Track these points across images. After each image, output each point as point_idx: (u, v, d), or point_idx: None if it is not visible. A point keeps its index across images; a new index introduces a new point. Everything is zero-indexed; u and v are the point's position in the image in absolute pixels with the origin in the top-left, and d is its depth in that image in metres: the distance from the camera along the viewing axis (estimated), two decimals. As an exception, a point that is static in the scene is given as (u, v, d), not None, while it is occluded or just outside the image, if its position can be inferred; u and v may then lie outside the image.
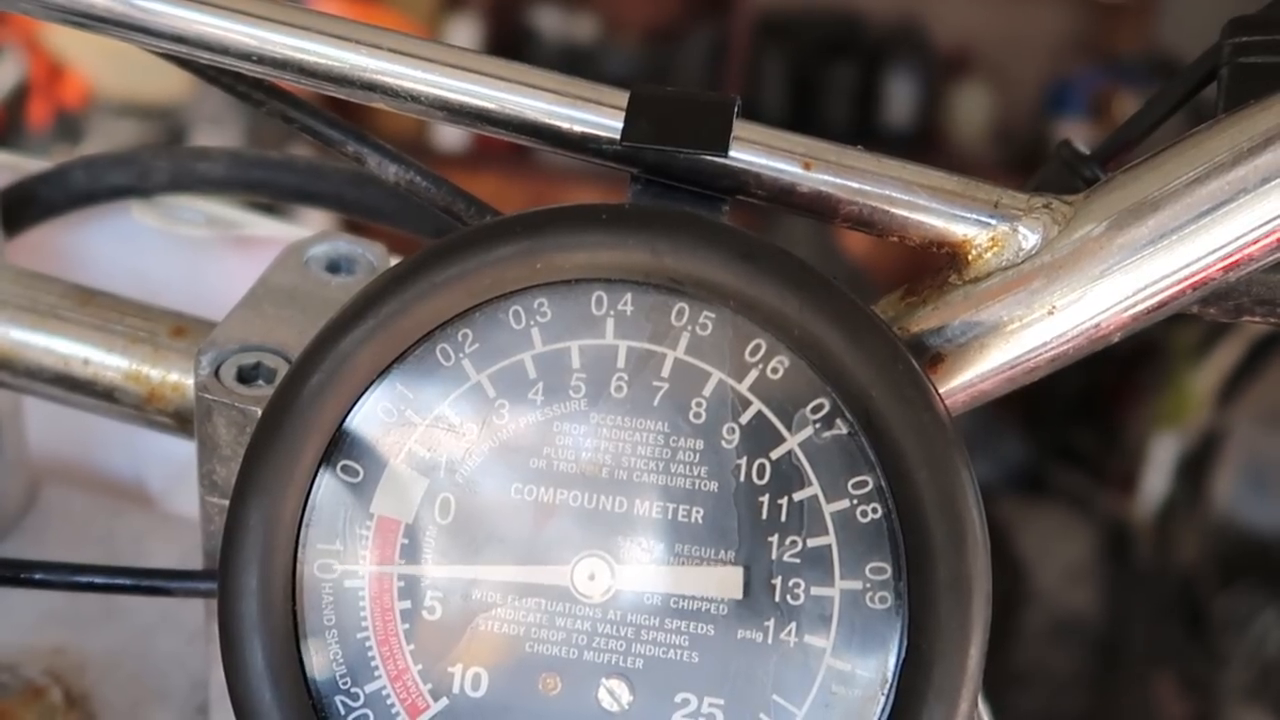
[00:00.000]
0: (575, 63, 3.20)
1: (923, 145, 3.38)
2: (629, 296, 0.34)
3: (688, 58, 3.35)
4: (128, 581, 0.45)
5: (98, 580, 0.45)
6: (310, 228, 0.67)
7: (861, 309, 0.34)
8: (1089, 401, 2.82)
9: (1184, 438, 2.51)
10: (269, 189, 0.59)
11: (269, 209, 0.77)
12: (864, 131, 3.35)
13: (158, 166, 0.59)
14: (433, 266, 0.34)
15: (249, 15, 0.39)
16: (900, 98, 3.41)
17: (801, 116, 3.37)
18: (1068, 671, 2.42)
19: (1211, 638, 2.29)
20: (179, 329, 0.46)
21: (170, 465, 0.70)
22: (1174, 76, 0.45)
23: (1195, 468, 2.46)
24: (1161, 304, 0.36)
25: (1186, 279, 0.36)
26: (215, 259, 0.68)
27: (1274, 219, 0.35)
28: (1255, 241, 0.35)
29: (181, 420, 0.46)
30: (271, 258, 0.47)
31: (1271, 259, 0.36)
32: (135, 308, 0.47)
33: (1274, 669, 2.21)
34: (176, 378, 0.45)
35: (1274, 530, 2.36)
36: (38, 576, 0.44)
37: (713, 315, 0.34)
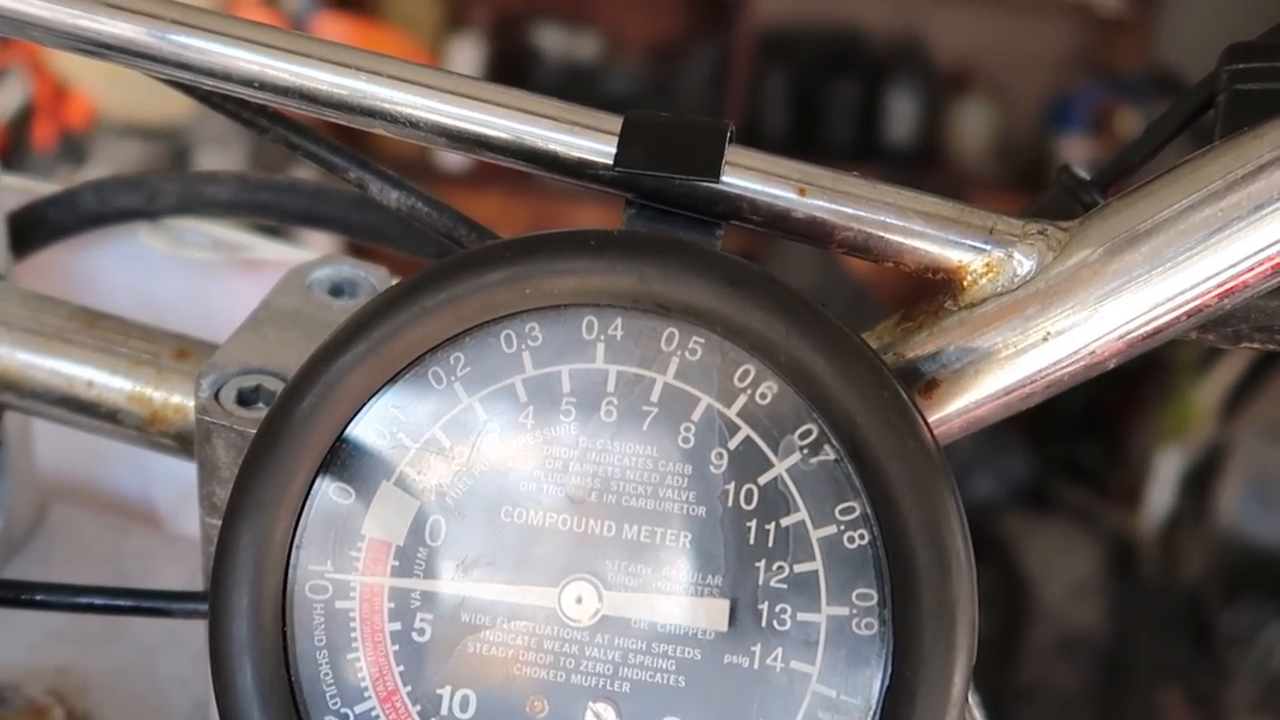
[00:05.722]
0: (577, 82, 3.21)
1: (924, 162, 3.38)
2: (619, 321, 0.35)
3: (689, 76, 3.37)
4: (128, 603, 0.46)
5: (98, 601, 0.45)
6: (315, 251, 0.68)
7: (848, 336, 0.34)
8: (1093, 416, 2.82)
9: (1188, 452, 2.51)
10: (275, 212, 0.60)
11: (273, 232, 0.78)
12: (865, 148, 3.36)
13: (166, 190, 0.59)
14: (424, 291, 0.35)
15: (252, 43, 0.39)
16: (902, 114, 3.42)
17: (803, 133, 3.38)
18: (1074, 687, 2.41)
19: (1217, 652, 2.28)
20: (182, 351, 0.47)
21: (178, 486, 0.70)
22: (1174, 103, 0.46)
23: (1199, 482, 2.45)
24: (1157, 331, 0.37)
25: (1182, 306, 0.36)
26: (221, 281, 0.68)
27: (1268, 246, 0.35)
28: (1250, 269, 0.35)
29: (184, 442, 0.46)
30: (277, 280, 0.47)
31: (1268, 285, 0.36)
32: (139, 330, 0.48)
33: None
34: (179, 400, 0.46)
35: (1278, 544, 2.35)
36: (39, 597, 0.45)
37: (702, 341, 0.34)
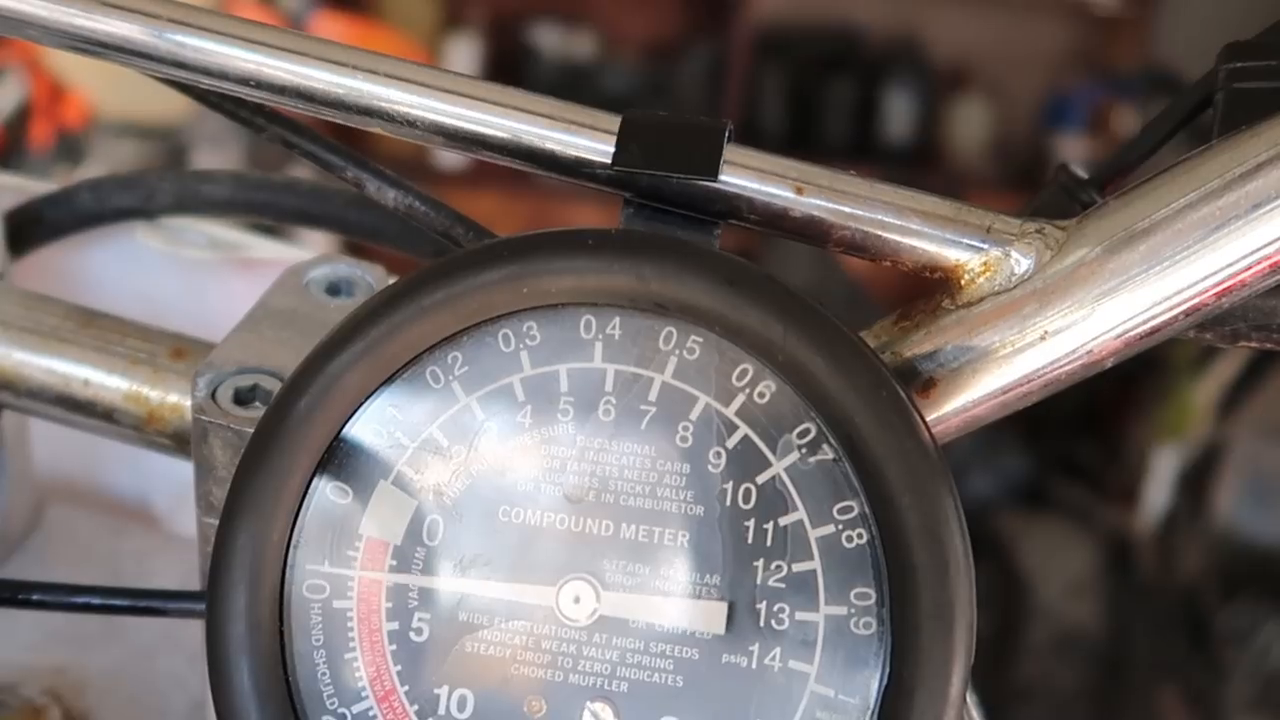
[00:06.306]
0: (574, 80, 3.21)
1: (922, 160, 3.39)
2: (617, 320, 0.35)
3: (687, 74, 3.37)
4: (124, 602, 0.46)
5: (95, 601, 0.45)
6: (312, 250, 0.68)
7: (846, 335, 0.34)
8: (1090, 415, 2.83)
9: (1185, 450, 2.52)
10: (272, 211, 0.60)
11: (270, 231, 0.78)
12: (863, 147, 3.36)
13: (163, 189, 0.59)
14: (421, 290, 0.35)
15: (249, 41, 0.39)
16: (899, 113, 3.42)
17: (801, 132, 3.38)
18: (1071, 686, 2.41)
19: (1214, 650, 2.29)
20: (178, 350, 0.47)
21: (175, 485, 0.70)
22: (1171, 101, 0.46)
23: (1196, 480, 2.46)
24: (1155, 329, 0.37)
25: (1179, 305, 0.36)
26: (219, 281, 0.68)
27: (1265, 245, 0.35)
28: (1248, 268, 0.35)
29: (180, 441, 0.46)
30: (274, 279, 0.47)
31: (1265, 284, 0.36)
32: (136, 329, 0.48)
33: (1277, 681, 2.21)
34: (176, 399, 0.46)
35: (1275, 543, 2.36)
36: (35, 597, 0.45)
37: (700, 340, 0.34)
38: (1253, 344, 0.41)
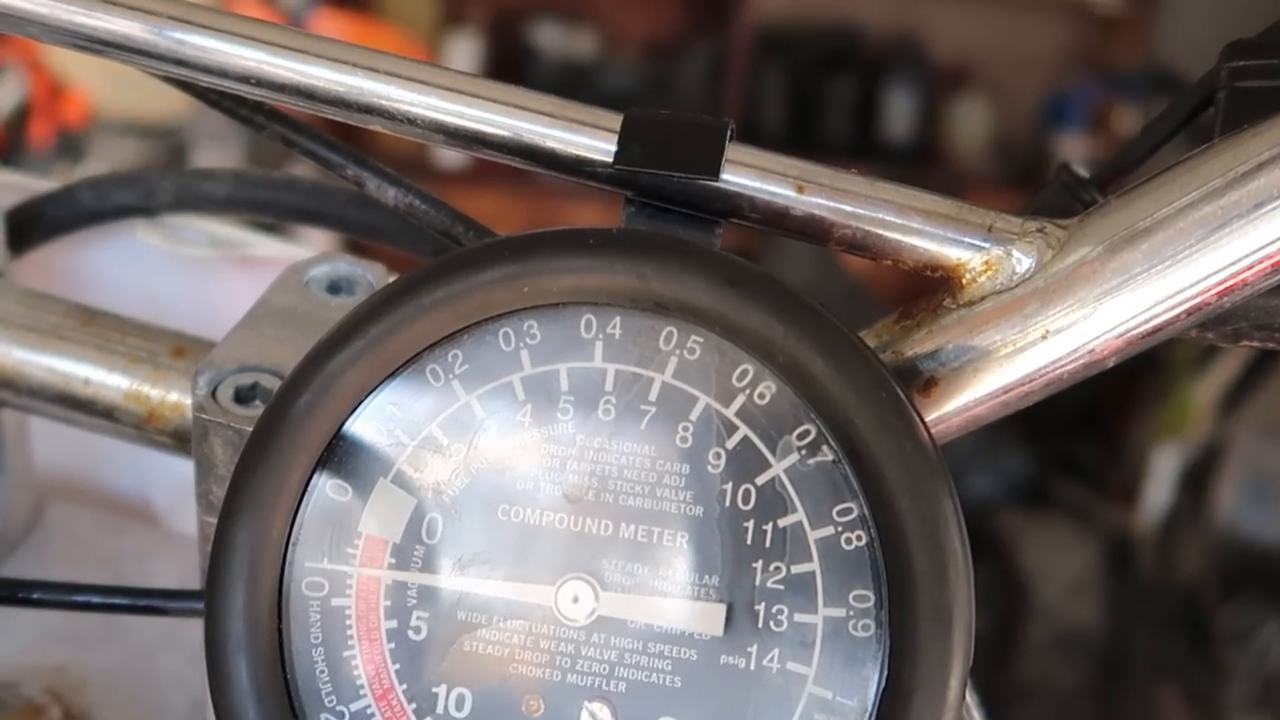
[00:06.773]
0: (575, 79, 3.21)
1: (922, 159, 3.39)
2: (617, 320, 0.35)
3: (687, 72, 3.37)
4: (124, 601, 0.46)
5: (95, 600, 0.45)
6: (312, 248, 0.68)
7: (847, 336, 0.34)
8: (1090, 414, 2.83)
9: (1185, 450, 2.52)
10: (272, 209, 0.60)
11: (271, 229, 0.78)
12: (863, 146, 3.36)
13: (163, 187, 0.59)
14: (421, 288, 0.35)
15: (249, 39, 0.39)
16: (900, 111, 3.42)
17: (801, 130, 3.38)
18: (1071, 684, 2.42)
19: (1214, 650, 2.29)
20: (179, 349, 0.47)
21: (176, 484, 0.70)
22: (1173, 100, 0.45)
23: (1197, 480, 2.46)
24: (1157, 329, 0.36)
25: (1181, 304, 0.36)
26: (219, 279, 0.68)
27: (1267, 244, 0.35)
28: (1250, 267, 0.35)
29: (181, 440, 0.46)
30: (274, 278, 0.47)
31: (1267, 284, 0.36)
32: (136, 327, 0.48)
33: (1277, 681, 2.21)
34: (176, 398, 0.46)
35: (1276, 542, 2.36)
36: (35, 596, 0.45)
37: (700, 340, 0.34)
38: (1254, 343, 0.41)
